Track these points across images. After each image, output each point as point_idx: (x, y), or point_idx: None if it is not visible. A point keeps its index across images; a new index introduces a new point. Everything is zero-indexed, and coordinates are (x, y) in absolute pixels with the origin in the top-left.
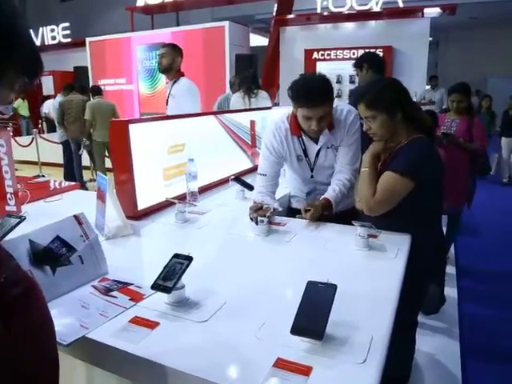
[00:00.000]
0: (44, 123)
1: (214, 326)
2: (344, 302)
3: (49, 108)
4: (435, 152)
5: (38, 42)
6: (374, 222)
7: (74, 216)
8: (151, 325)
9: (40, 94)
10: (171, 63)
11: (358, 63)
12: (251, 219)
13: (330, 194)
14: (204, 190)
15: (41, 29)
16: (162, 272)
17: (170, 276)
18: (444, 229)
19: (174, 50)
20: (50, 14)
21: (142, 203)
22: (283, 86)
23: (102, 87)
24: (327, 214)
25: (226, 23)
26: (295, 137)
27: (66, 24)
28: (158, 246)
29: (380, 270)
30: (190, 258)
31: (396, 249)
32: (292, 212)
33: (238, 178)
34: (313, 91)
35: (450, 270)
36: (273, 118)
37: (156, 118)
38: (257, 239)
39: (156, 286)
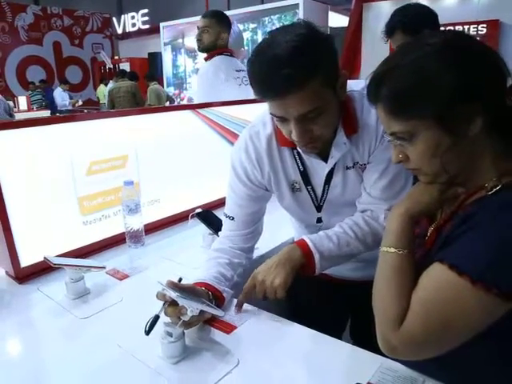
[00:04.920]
0: None
1: None
2: None
3: None
4: None
5: (119, 30)
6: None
7: None
8: None
9: None
10: (215, 40)
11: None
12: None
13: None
14: (161, 225)
15: (122, 16)
16: None
17: None
18: None
19: (221, 23)
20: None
21: (32, 256)
22: (365, 72)
23: None
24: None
25: (300, 0)
26: (286, 149)
27: (145, 10)
28: None
29: None
30: None
31: None
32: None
33: (206, 214)
34: (274, 64)
35: None
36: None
37: (58, 119)
38: (153, 373)
39: None
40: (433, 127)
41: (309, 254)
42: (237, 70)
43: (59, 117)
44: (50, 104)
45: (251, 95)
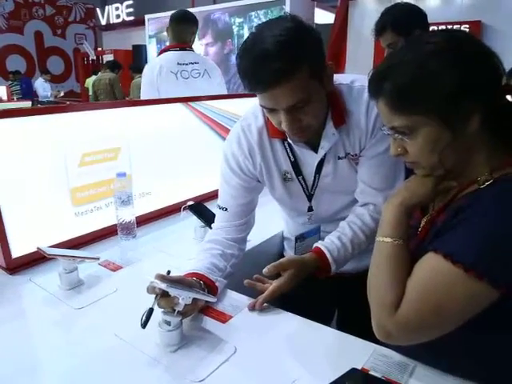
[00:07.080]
0: None
1: None
2: None
3: None
4: None
5: (103, 21)
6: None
7: None
8: None
9: None
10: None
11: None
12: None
13: (329, 241)
14: (153, 218)
15: (106, 7)
16: None
17: None
18: None
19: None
20: None
21: (24, 246)
22: (349, 69)
23: None
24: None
25: None
26: (277, 141)
27: (130, 2)
28: None
29: None
30: None
31: None
32: None
33: (198, 206)
34: (261, 59)
35: None
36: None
37: (52, 109)
38: (150, 361)
39: None
40: (434, 123)
41: (327, 267)
42: (179, 64)
43: (53, 107)
44: (24, 95)
45: (199, 88)
